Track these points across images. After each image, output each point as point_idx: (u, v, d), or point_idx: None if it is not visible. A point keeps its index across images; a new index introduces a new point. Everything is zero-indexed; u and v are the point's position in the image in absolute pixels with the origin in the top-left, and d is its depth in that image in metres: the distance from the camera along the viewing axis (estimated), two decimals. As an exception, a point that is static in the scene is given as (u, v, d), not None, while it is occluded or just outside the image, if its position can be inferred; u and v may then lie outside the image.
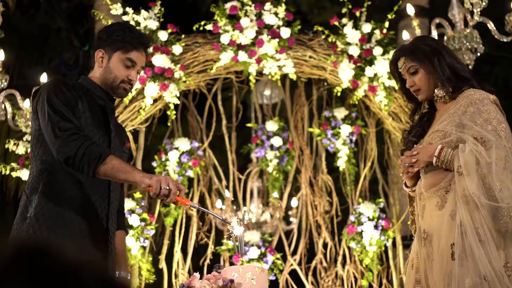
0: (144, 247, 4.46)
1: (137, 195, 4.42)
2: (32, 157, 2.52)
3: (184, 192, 2.36)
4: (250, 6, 4.54)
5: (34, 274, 0.78)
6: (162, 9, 4.47)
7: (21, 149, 4.13)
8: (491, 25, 4.06)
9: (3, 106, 4.17)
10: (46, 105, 2.42)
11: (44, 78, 4.18)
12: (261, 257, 4.57)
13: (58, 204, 2.41)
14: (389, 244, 4.59)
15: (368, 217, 4.55)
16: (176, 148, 4.66)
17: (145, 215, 4.41)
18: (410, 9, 4.24)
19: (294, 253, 4.83)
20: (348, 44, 4.54)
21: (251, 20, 4.53)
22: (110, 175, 2.34)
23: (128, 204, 4.35)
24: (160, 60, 4.41)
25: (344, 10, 4.56)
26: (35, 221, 2.38)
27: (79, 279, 0.81)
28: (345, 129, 4.72)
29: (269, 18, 4.54)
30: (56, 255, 0.81)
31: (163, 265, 4.60)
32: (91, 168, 2.32)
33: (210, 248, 4.74)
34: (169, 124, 4.75)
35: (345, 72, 4.52)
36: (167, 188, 2.27)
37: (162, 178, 2.28)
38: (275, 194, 4.83)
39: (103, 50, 2.61)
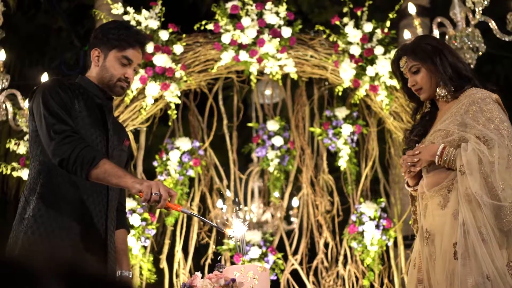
0: (145, 247, 4.46)
1: (138, 194, 4.41)
2: (30, 158, 2.52)
3: (176, 198, 2.35)
4: (251, 5, 4.54)
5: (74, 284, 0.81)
6: (163, 8, 4.46)
7: (22, 149, 4.13)
8: (492, 24, 4.06)
9: (4, 106, 4.17)
10: (42, 107, 2.42)
11: (45, 77, 4.18)
12: (262, 256, 4.57)
13: (56, 205, 2.40)
14: (390, 243, 4.59)
15: (369, 216, 4.55)
16: (177, 148, 4.65)
17: (146, 215, 4.41)
18: (412, 8, 4.24)
19: (295, 252, 4.82)
20: (349, 43, 4.53)
21: (252, 20, 4.53)
22: (102, 179, 2.33)
23: (129, 204, 4.35)
24: (161, 60, 4.41)
25: (345, 10, 4.56)
26: (33, 222, 2.38)
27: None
28: (346, 129, 4.72)
29: (270, 18, 4.54)
30: (87, 268, 0.84)
31: (164, 264, 4.60)
32: (84, 171, 2.32)
33: (211, 248, 4.73)
34: (170, 123, 4.75)
35: (346, 72, 4.52)
36: (158, 194, 2.26)
37: (153, 184, 2.27)
38: (276, 194, 4.82)
39: (99, 49, 2.60)
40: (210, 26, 4.53)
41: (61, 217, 2.39)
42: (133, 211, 4.37)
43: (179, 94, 4.52)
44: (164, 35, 4.46)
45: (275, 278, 4.58)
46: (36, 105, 2.45)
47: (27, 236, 2.36)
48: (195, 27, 4.57)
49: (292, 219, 6.26)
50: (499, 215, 2.39)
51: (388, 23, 4.54)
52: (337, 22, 4.58)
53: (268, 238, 4.71)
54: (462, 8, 4.07)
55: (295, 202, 5.35)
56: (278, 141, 4.76)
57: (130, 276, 2.70)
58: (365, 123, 4.82)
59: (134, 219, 4.34)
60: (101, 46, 2.59)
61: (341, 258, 4.73)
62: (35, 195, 2.42)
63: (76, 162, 2.32)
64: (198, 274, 2.19)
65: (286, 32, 4.54)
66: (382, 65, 4.46)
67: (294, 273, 4.77)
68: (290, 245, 4.86)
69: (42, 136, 2.41)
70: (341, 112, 4.78)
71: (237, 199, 4.88)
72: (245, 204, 5.16)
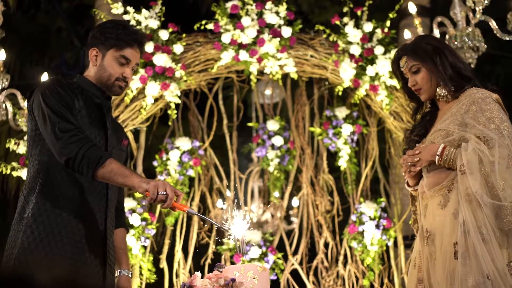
0: (145, 247, 4.45)
1: (138, 194, 4.41)
2: (29, 158, 2.51)
3: (182, 198, 2.35)
4: (251, 5, 4.54)
5: None
6: (163, 8, 4.46)
7: (21, 149, 4.12)
8: (493, 24, 4.05)
9: (4, 105, 4.16)
10: (44, 106, 2.41)
11: (45, 77, 4.17)
12: (262, 256, 4.57)
13: (55, 204, 2.40)
14: (390, 243, 4.58)
15: (369, 216, 4.54)
16: (177, 148, 4.65)
17: (146, 215, 4.40)
18: (412, 7, 4.23)
19: (295, 252, 4.82)
20: (350, 43, 4.53)
21: (252, 19, 4.52)
22: (108, 179, 2.34)
23: (129, 203, 4.35)
24: (161, 59, 4.40)
25: (345, 9, 4.56)
26: (33, 221, 2.37)
27: None
28: (346, 129, 4.72)
29: (270, 17, 4.53)
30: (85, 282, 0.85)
31: (164, 264, 4.59)
32: (90, 170, 2.32)
33: (211, 248, 4.73)
34: (170, 123, 4.75)
35: (346, 71, 4.51)
36: (164, 193, 2.27)
37: (160, 184, 2.28)
38: (276, 194, 4.82)
39: (96, 49, 2.60)
40: (210, 26, 4.53)
41: (61, 216, 2.40)
42: (133, 210, 4.36)
43: (179, 94, 4.51)
44: (164, 34, 4.45)
45: (275, 278, 4.58)
46: (37, 104, 2.45)
47: (26, 235, 2.36)
48: (195, 27, 4.57)
49: (292, 219, 6.26)
50: (500, 215, 2.39)
51: (388, 23, 4.53)
52: (337, 22, 4.57)
53: (268, 238, 4.70)
54: (463, 8, 4.06)
55: (295, 202, 5.35)
56: (278, 141, 4.76)
57: (129, 275, 2.70)
58: (365, 123, 4.82)
59: (134, 219, 4.34)
60: (99, 46, 2.59)
61: (341, 258, 4.73)
62: (34, 194, 2.42)
63: (83, 161, 2.32)
64: (198, 273, 2.19)
65: (286, 31, 4.53)
66: (382, 65, 4.46)
67: (294, 273, 4.77)
68: (290, 245, 4.86)
69: (46, 135, 2.41)
70: (341, 112, 4.78)
71: (237, 198, 4.88)
72: (245, 204, 5.16)
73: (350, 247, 4.66)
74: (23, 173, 4.09)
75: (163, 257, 4.59)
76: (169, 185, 2.30)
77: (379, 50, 4.49)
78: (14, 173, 4.13)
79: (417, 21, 4.18)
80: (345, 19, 4.56)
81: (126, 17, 4.39)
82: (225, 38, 4.50)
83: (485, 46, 4.04)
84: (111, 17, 4.32)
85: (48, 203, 2.40)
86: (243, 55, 4.52)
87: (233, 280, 2.15)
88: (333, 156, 4.89)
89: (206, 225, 4.77)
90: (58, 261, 2.35)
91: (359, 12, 4.54)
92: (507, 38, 4.05)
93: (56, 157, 2.38)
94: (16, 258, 2.34)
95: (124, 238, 2.74)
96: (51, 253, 2.34)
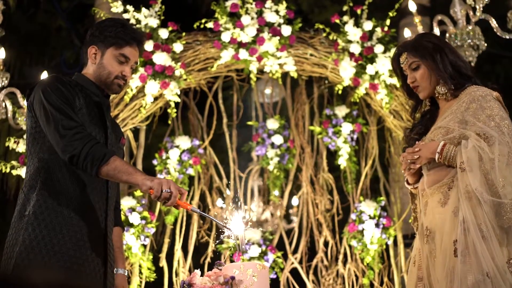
0: (144, 246, 4.45)
1: (138, 193, 4.41)
2: (28, 155, 2.51)
3: (186, 196, 2.35)
4: (251, 4, 4.53)
5: None
6: (163, 7, 4.46)
7: (21, 147, 4.12)
8: (493, 22, 4.05)
9: (3, 104, 4.16)
10: (46, 103, 2.41)
11: (44, 76, 4.17)
12: (262, 255, 4.56)
13: (56, 202, 2.40)
14: (390, 242, 4.58)
15: (369, 215, 4.54)
16: (177, 146, 4.65)
17: (145, 213, 4.40)
18: (412, 6, 4.23)
19: (295, 251, 4.82)
20: (349, 42, 4.53)
21: (252, 18, 4.52)
22: (112, 176, 2.34)
23: (129, 202, 4.34)
24: (160, 58, 4.40)
25: (345, 8, 4.56)
26: (34, 218, 2.37)
27: None
28: (346, 127, 4.72)
29: (270, 16, 4.53)
30: None
31: (163, 263, 4.59)
32: (94, 167, 2.32)
33: (211, 247, 4.73)
34: (169, 122, 4.75)
35: (346, 70, 4.51)
36: (168, 191, 2.27)
37: (164, 181, 2.28)
38: (276, 193, 4.82)
39: (96, 47, 2.59)
40: (210, 25, 4.53)
41: (62, 214, 2.39)
42: (132, 209, 4.36)
43: (178, 93, 4.51)
44: (163, 33, 4.45)
45: (275, 276, 4.57)
46: (38, 102, 2.44)
47: (27, 233, 2.35)
48: (195, 26, 4.57)
49: (292, 217, 6.26)
50: (499, 212, 2.39)
51: (388, 22, 4.53)
52: (337, 21, 4.57)
53: (268, 237, 4.70)
54: (463, 6, 4.06)
55: (295, 200, 5.35)
56: (278, 139, 4.76)
57: (125, 273, 2.70)
58: (365, 122, 4.82)
59: (133, 218, 4.33)
60: (98, 44, 2.59)
61: (341, 256, 4.73)
62: (35, 192, 2.41)
63: (87, 158, 2.32)
64: (197, 271, 2.19)
65: (286, 30, 4.53)
66: (382, 64, 4.46)
67: (294, 272, 4.77)
68: (290, 243, 4.86)
69: (49, 132, 2.40)
70: (341, 111, 4.78)
71: (237, 197, 4.87)
72: (245, 203, 5.16)
73: (350, 246, 4.66)
74: (22, 172, 4.09)
75: (163, 256, 4.59)
76: (173, 183, 2.30)
77: (379, 48, 4.48)
78: (14, 172, 4.13)
79: (417, 19, 4.18)
80: (345, 18, 4.56)
81: (125, 15, 4.39)
82: (225, 37, 4.50)
83: (485, 45, 4.04)
84: (111, 16, 4.32)
85: (49, 201, 2.39)
86: (243, 53, 4.52)
87: (233, 278, 2.14)
88: (333, 155, 4.89)
89: (205, 224, 4.77)
90: (59, 260, 2.34)
91: (359, 11, 4.54)
92: (507, 37, 4.05)
93: (59, 154, 2.38)
94: (17, 256, 2.33)
95: (121, 237, 2.74)
96: (52, 250, 2.34)
